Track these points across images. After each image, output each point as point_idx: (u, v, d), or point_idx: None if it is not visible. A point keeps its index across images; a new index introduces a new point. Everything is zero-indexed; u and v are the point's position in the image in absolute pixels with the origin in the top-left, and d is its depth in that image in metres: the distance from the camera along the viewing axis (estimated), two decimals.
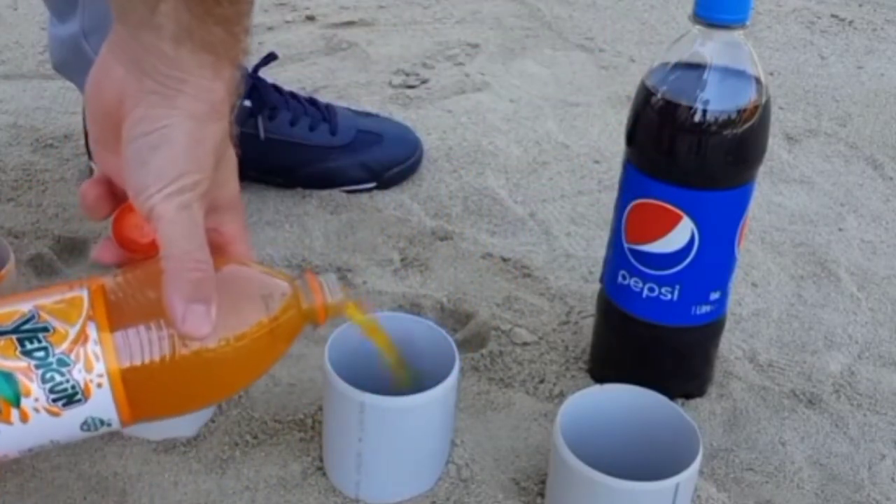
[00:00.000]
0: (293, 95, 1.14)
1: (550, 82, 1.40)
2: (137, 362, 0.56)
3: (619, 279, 0.83)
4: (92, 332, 0.56)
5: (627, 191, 0.81)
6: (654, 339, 0.84)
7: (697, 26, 0.75)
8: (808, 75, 1.47)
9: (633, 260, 0.81)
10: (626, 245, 0.81)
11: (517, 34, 1.54)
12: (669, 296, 0.81)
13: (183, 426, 0.80)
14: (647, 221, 0.79)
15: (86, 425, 0.57)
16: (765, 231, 1.12)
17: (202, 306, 0.56)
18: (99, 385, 0.56)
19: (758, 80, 0.76)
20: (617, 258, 0.83)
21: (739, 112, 0.75)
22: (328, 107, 1.16)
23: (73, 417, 0.56)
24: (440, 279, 1.01)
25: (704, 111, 0.75)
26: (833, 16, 1.67)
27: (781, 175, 1.23)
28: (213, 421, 0.82)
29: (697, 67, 0.76)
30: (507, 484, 0.79)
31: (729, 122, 0.75)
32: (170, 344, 0.56)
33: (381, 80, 1.40)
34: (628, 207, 0.80)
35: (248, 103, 1.10)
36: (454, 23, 1.58)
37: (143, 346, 0.56)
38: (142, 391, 0.57)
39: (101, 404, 0.56)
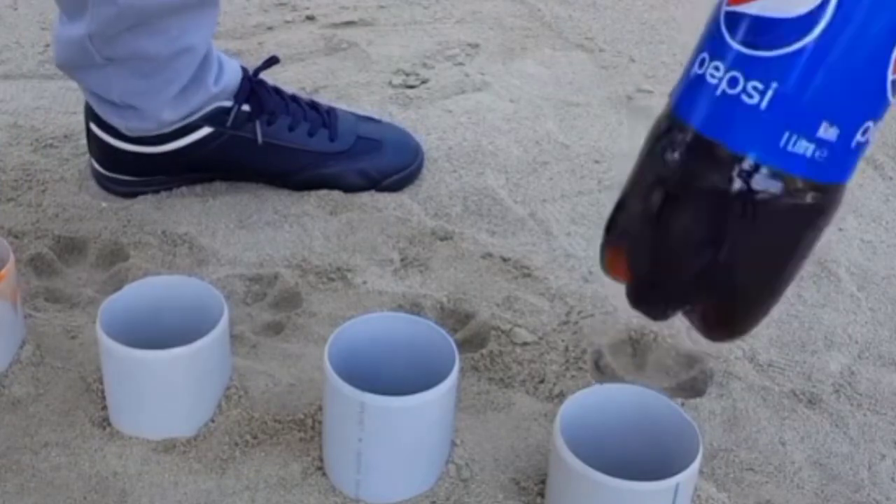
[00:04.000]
0: (294, 98, 1.14)
1: (550, 82, 1.40)
2: None
3: (696, 68, 0.54)
4: None
5: None
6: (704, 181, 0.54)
7: None
8: None
9: (725, 31, 0.53)
10: (724, 8, 0.54)
11: (517, 34, 1.54)
12: (756, 98, 0.51)
13: (183, 426, 0.80)
14: None
15: None
16: None
17: None
18: None
19: None
20: (706, 37, 0.55)
21: None
22: (329, 111, 1.15)
23: None
24: (440, 279, 1.01)
25: None
26: None
27: None
28: (213, 421, 0.82)
29: None
30: (507, 484, 0.79)
31: None
32: None
33: (381, 80, 1.39)
34: None
35: (246, 108, 1.10)
36: (454, 23, 1.58)
37: None
38: None
39: None
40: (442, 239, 1.07)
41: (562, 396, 0.87)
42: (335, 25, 1.55)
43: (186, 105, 1.07)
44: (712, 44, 0.52)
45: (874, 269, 1.07)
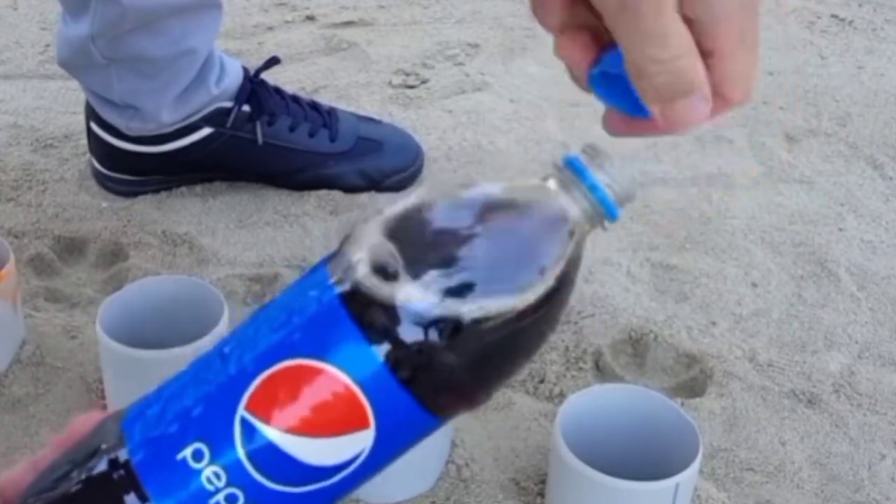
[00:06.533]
0: (295, 99, 1.14)
1: (550, 82, 1.40)
2: None
3: (190, 458, 0.44)
4: None
5: None
6: None
7: None
8: (808, 75, 1.47)
9: (237, 436, 0.45)
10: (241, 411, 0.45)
11: (517, 34, 1.54)
12: None
13: None
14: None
15: None
16: (765, 231, 1.12)
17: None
18: None
19: None
20: (207, 419, 0.45)
21: None
22: (330, 112, 1.15)
23: None
24: None
25: None
26: (833, 16, 1.67)
27: (781, 175, 1.23)
28: None
29: None
30: (507, 484, 0.79)
31: None
32: None
33: (381, 80, 1.39)
34: None
35: (246, 108, 1.10)
36: (454, 23, 1.58)
37: None
38: None
39: None
40: None
41: (562, 396, 0.87)
42: (335, 25, 1.55)
43: (187, 106, 1.07)
44: (218, 440, 0.43)
45: (874, 269, 1.07)
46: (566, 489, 0.72)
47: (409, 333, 0.42)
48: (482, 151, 1.24)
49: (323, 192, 1.12)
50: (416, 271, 0.42)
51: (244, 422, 0.43)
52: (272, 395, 0.44)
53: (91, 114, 1.10)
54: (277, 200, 1.12)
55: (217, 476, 0.43)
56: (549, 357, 0.91)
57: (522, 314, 0.43)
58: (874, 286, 1.05)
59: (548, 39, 0.54)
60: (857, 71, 1.50)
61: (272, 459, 0.44)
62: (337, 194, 1.12)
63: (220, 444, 0.44)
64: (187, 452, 0.43)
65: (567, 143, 1.27)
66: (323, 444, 0.44)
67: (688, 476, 0.69)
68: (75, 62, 1.05)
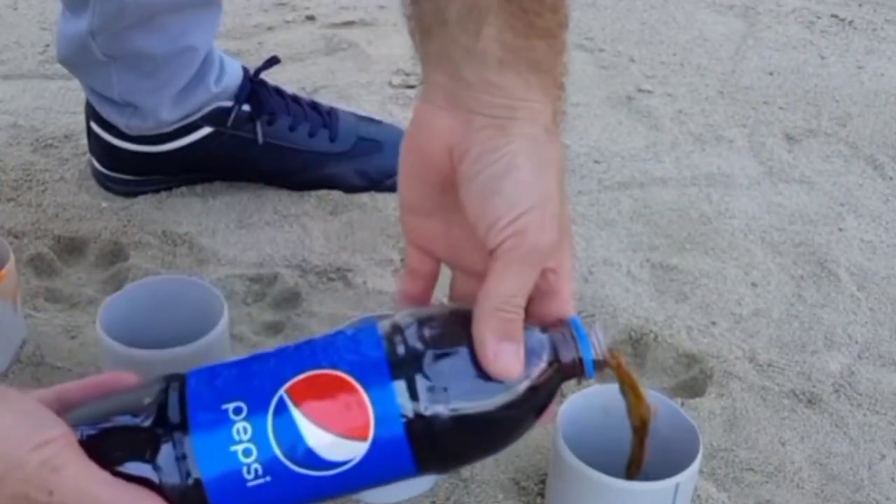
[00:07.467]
0: (295, 99, 1.14)
1: None
2: None
3: (231, 411, 0.56)
4: None
5: None
6: None
7: None
8: (808, 75, 1.47)
9: (272, 405, 0.57)
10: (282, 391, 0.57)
11: None
12: (251, 476, 0.56)
13: None
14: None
15: None
16: (765, 231, 1.12)
17: (513, 346, 0.56)
18: None
19: None
20: (256, 381, 0.58)
21: None
22: (330, 112, 1.15)
23: None
24: (440, 279, 1.01)
25: None
26: (833, 16, 1.67)
27: (781, 175, 1.23)
28: None
29: None
30: (507, 484, 0.79)
31: None
32: None
33: (381, 80, 1.39)
34: None
35: (247, 108, 1.10)
36: None
37: None
38: None
39: None
40: None
41: (562, 396, 0.87)
42: (335, 25, 1.55)
43: (187, 104, 1.07)
44: (257, 404, 0.56)
45: (874, 269, 1.07)
46: (566, 489, 0.72)
47: (421, 400, 0.55)
48: None
49: (323, 192, 1.12)
50: (427, 362, 0.56)
51: (281, 398, 0.56)
52: (310, 388, 0.56)
53: (91, 114, 1.10)
54: (277, 200, 1.12)
55: (245, 430, 0.55)
56: None
57: (496, 417, 0.57)
58: (874, 286, 1.05)
59: None
60: (857, 71, 1.50)
61: (287, 429, 0.55)
62: (337, 194, 1.12)
63: (257, 407, 0.55)
64: (231, 406, 0.55)
65: (567, 143, 1.27)
66: (327, 437, 0.55)
67: (688, 476, 0.69)
68: (75, 59, 1.05)
